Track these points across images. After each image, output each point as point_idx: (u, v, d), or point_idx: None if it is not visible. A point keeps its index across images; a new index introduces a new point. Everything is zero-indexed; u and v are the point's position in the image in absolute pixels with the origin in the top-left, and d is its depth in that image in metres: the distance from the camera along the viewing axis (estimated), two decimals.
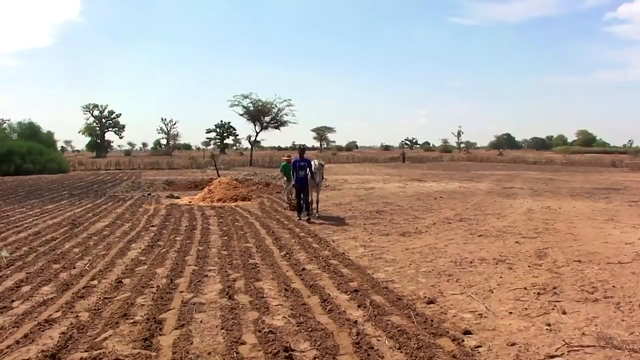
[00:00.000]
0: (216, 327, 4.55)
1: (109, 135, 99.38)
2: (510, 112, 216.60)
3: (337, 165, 46.24)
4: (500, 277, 6.27)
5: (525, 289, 5.74)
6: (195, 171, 37.92)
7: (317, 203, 12.30)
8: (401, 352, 3.94)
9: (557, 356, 3.89)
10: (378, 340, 4.20)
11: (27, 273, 6.56)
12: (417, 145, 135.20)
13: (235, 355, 3.88)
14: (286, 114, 53.87)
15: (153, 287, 5.82)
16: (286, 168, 13.61)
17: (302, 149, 12.42)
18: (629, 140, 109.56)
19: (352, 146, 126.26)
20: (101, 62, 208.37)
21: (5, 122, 57.31)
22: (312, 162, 11.92)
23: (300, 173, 11.61)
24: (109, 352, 3.93)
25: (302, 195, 11.68)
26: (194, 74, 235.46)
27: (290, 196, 13.74)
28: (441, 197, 16.56)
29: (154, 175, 32.58)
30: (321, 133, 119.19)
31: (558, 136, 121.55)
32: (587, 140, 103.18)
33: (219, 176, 21.45)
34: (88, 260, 7.37)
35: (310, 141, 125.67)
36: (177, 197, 17.20)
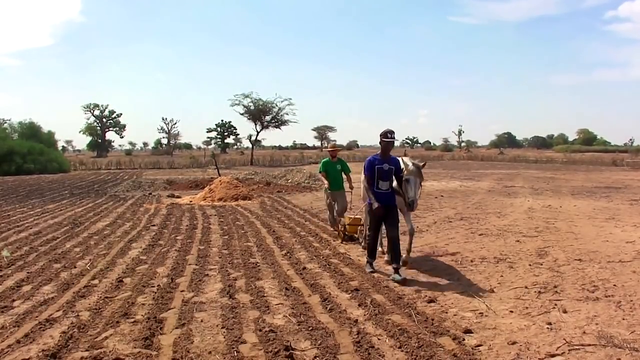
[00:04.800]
0: (217, 326, 4.55)
1: (110, 135, 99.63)
2: (511, 111, 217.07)
3: None
4: (501, 276, 6.27)
5: (526, 287, 5.73)
6: (196, 170, 37.91)
7: (411, 238, 6.88)
8: (402, 350, 3.94)
9: (557, 355, 3.89)
10: (379, 339, 4.20)
11: (28, 272, 6.57)
12: (418, 144, 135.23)
13: (235, 354, 3.88)
14: (287, 113, 53.97)
15: (154, 287, 5.83)
16: (327, 166, 9.18)
17: (389, 137, 6.29)
18: (630, 139, 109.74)
19: (352, 145, 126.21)
20: (102, 62, 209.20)
21: (6, 122, 57.41)
22: (403, 164, 6.49)
23: (382, 186, 6.30)
24: (110, 352, 3.93)
25: (384, 228, 6.54)
26: (194, 73, 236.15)
27: (335, 216, 9.16)
28: (442, 196, 16.54)
29: (154, 174, 32.58)
30: (322, 132, 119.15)
31: (559, 135, 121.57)
32: (587, 139, 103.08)
33: (219, 175, 21.48)
34: (89, 259, 7.37)
35: (311, 140, 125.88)
36: (178, 197, 17.21)
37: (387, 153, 6.39)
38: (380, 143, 6.38)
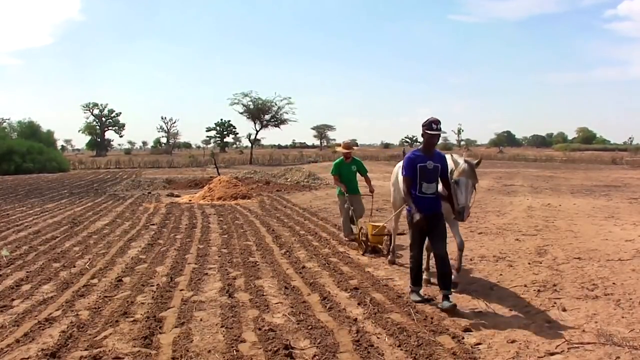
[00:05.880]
0: (216, 325, 4.55)
1: (109, 134, 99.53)
2: (511, 109, 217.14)
3: None
4: (500, 275, 6.27)
5: (525, 286, 5.73)
6: (195, 170, 37.88)
7: (461, 254, 5.75)
8: (401, 349, 3.94)
9: (557, 353, 3.89)
10: (378, 337, 4.20)
11: (27, 272, 6.56)
12: (418, 143, 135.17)
13: (235, 353, 3.87)
14: (286, 112, 54.10)
15: (153, 286, 5.82)
16: (341, 168, 8.35)
17: (434, 128, 5.01)
18: (629, 138, 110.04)
19: (352, 144, 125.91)
20: (101, 61, 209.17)
21: (5, 121, 57.47)
22: (452, 162, 5.21)
23: (427, 190, 5.08)
24: (109, 351, 3.92)
25: (429, 242, 5.30)
26: (194, 72, 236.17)
27: (351, 224, 8.29)
28: None
29: (154, 174, 32.57)
30: (321, 131, 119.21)
31: (558, 133, 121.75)
32: (587, 138, 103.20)
33: (219, 174, 21.47)
34: (88, 258, 7.36)
35: (311, 139, 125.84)
36: (177, 196, 17.20)
37: (431, 148, 5.14)
38: (422, 136, 5.12)
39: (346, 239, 8.46)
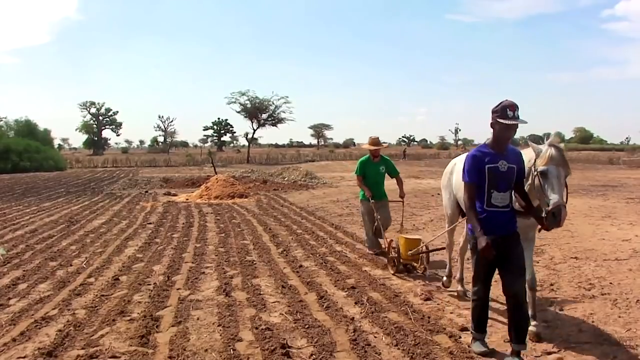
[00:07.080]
0: (213, 324, 4.54)
1: (106, 133, 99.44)
2: None
3: (334, 163, 46.32)
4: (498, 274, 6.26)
5: None
6: (192, 168, 37.85)
7: (533, 294, 4.25)
8: (398, 348, 3.94)
9: (554, 353, 3.90)
10: (375, 337, 4.20)
11: (23, 271, 6.54)
12: (415, 143, 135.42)
13: (232, 352, 3.86)
14: (283, 111, 54.19)
15: (150, 285, 5.81)
16: (366, 167, 7.24)
17: (509, 115, 3.51)
18: (626, 138, 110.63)
19: (349, 143, 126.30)
20: (98, 59, 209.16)
21: (2, 120, 57.21)
22: (527, 156, 3.82)
23: (498, 201, 3.64)
24: (106, 350, 3.91)
25: (499, 274, 3.87)
26: (191, 72, 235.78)
27: (374, 235, 7.21)
28: (438, 194, 16.51)
29: (151, 172, 32.52)
30: (318, 130, 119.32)
31: (555, 133, 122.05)
32: (584, 138, 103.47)
33: (216, 173, 21.43)
34: (85, 257, 7.34)
35: (308, 138, 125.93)
36: (174, 195, 17.18)
37: (504, 144, 3.69)
38: (492, 126, 3.69)
39: (370, 252, 7.26)
